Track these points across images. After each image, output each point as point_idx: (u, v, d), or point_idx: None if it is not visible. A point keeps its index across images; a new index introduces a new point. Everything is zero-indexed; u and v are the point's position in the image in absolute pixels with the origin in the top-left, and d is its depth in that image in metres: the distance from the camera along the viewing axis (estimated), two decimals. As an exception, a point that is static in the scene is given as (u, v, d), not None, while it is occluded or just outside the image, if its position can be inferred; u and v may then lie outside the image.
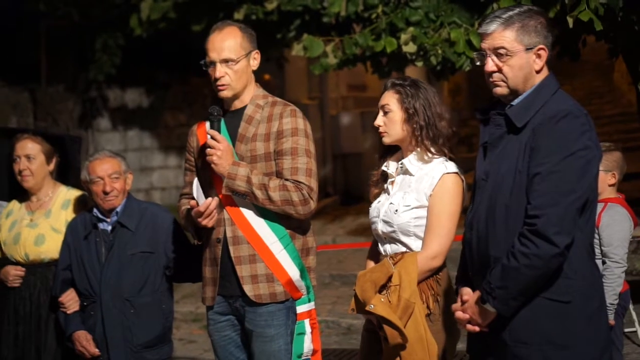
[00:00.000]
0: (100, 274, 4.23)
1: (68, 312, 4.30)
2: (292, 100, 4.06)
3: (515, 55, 2.94)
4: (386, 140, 3.65)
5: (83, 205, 4.53)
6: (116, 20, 9.90)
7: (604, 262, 4.33)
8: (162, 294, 4.30)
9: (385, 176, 3.72)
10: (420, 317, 3.42)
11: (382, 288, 3.47)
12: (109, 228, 4.29)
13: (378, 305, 3.41)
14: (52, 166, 4.58)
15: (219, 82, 3.71)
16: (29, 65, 10.59)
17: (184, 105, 12.01)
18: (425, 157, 3.56)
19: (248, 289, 3.69)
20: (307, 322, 3.78)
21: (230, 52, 3.70)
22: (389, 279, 3.45)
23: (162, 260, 4.28)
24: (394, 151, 3.72)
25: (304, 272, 3.76)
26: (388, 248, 3.62)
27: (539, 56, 2.94)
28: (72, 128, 10.92)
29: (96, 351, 4.22)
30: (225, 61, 3.70)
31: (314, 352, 3.80)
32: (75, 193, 4.60)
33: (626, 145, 12.09)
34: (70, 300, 4.31)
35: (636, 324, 6.10)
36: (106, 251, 4.25)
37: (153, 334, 4.24)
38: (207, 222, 3.66)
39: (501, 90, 3.01)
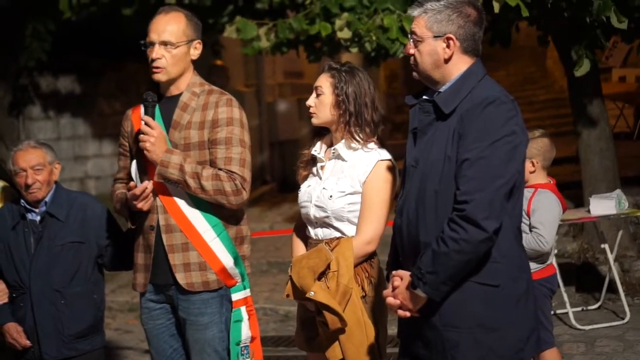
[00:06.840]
0: (29, 265, 4.16)
1: (-3, 303, 4.23)
2: (228, 87, 4.04)
3: (424, 41, 2.97)
4: (314, 121, 3.69)
5: (3, 194, 4.43)
6: (46, 6, 9.69)
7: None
8: (93, 283, 4.25)
9: (314, 159, 3.73)
10: (357, 300, 3.49)
11: (320, 274, 3.50)
12: (38, 218, 4.21)
13: (319, 292, 3.44)
14: None
15: (154, 64, 3.67)
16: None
17: (119, 92, 11.80)
18: (354, 144, 3.60)
19: (180, 277, 3.68)
20: (243, 309, 3.79)
21: (171, 35, 3.67)
22: (328, 265, 3.48)
23: (94, 250, 4.23)
24: (324, 134, 3.73)
25: (237, 259, 3.76)
26: (320, 232, 3.64)
27: (448, 45, 2.96)
28: (3, 117, 10.67)
29: (27, 342, 4.17)
30: (165, 44, 3.67)
31: (252, 339, 3.81)
32: None
33: (559, 130, 12.31)
34: (-1, 292, 4.24)
35: (567, 305, 6.22)
36: (35, 242, 4.18)
37: (85, 324, 4.20)
38: (142, 205, 3.64)
39: (414, 74, 3.06)
